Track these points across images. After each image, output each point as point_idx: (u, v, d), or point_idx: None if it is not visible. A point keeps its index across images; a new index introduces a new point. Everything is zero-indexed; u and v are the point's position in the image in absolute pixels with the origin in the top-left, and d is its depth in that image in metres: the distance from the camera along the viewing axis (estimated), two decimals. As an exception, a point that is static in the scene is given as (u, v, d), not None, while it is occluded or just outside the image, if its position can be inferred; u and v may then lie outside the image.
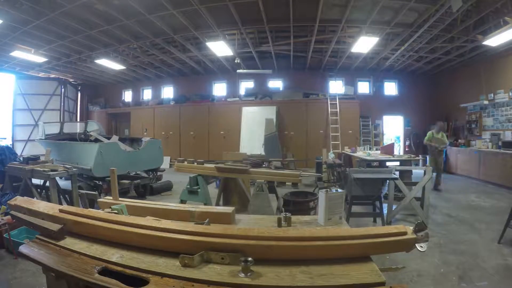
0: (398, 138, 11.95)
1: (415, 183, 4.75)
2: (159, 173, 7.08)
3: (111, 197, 2.09)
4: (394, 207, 4.53)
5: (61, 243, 1.44)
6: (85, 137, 8.01)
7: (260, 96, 11.36)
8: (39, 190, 4.97)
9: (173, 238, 1.38)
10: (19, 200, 1.93)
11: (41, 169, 4.56)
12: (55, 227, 1.49)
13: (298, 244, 1.33)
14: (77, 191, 4.46)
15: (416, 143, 11.26)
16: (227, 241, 1.37)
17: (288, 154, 9.70)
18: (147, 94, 13.82)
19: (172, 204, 2.04)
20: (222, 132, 11.13)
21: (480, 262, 3.12)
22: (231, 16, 6.62)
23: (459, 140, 9.72)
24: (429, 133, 7.29)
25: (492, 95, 8.55)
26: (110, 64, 9.75)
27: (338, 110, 10.37)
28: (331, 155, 7.99)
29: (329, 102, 10.47)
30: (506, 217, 3.59)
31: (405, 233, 1.36)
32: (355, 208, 4.45)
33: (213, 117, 11.38)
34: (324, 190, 1.84)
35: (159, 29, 7.35)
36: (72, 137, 8.05)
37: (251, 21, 7.09)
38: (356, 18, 6.76)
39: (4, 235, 3.26)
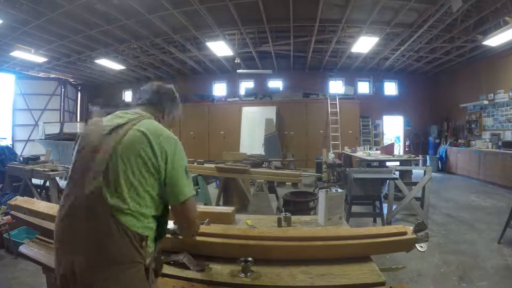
0: (398, 138, 11.95)
1: (415, 183, 4.76)
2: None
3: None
4: (394, 207, 4.53)
5: (61, 243, 1.44)
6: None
7: (260, 96, 11.35)
8: (39, 190, 4.97)
9: (173, 239, 1.38)
10: (19, 200, 1.93)
11: (41, 169, 4.56)
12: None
13: (298, 244, 1.33)
14: (77, 191, 4.44)
15: (416, 143, 11.27)
16: (227, 241, 1.37)
17: (288, 154, 9.69)
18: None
19: (172, 204, 2.04)
20: (222, 132, 11.13)
21: (480, 262, 3.12)
22: (231, 16, 6.61)
23: (459, 140, 9.72)
24: None
25: (492, 95, 8.54)
26: (110, 64, 9.74)
27: (338, 110, 10.37)
28: (331, 155, 7.98)
29: (329, 102, 10.46)
30: (506, 217, 3.59)
31: (405, 233, 1.37)
32: (355, 208, 4.45)
33: (213, 117, 11.37)
34: (324, 190, 1.84)
35: (159, 29, 7.34)
36: (72, 137, 8.04)
37: (251, 21, 7.08)
38: (356, 18, 6.75)
39: (4, 235, 3.27)
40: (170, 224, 1.36)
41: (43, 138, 9.75)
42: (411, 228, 1.38)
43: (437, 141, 10.71)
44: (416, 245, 1.35)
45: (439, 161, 9.93)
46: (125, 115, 1.12)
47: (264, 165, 4.95)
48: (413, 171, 6.41)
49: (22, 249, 1.57)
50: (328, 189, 1.86)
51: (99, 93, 14.33)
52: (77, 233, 0.97)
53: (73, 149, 1.12)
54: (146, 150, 1.02)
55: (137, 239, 0.97)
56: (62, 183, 4.66)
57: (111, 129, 1.06)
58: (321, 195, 1.83)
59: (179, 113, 1.36)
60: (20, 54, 8.38)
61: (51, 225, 1.51)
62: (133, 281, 0.96)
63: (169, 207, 1.11)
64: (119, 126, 1.06)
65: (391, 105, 11.52)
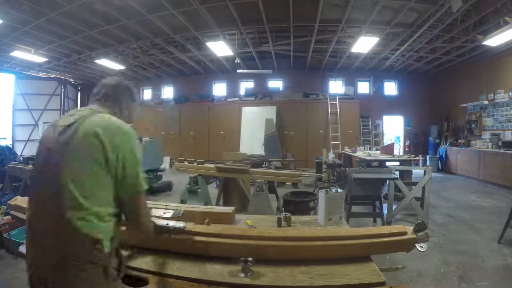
0: (398, 138, 11.95)
1: (415, 183, 4.75)
2: (160, 173, 7.09)
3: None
4: (394, 207, 4.53)
5: (61, 243, 1.44)
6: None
7: (260, 96, 11.36)
8: (39, 190, 4.96)
9: (173, 238, 1.38)
10: (19, 200, 1.93)
11: (41, 169, 4.55)
12: (55, 227, 1.48)
13: (298, 244, 1.33)
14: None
15: (416, 143, 11.27)
16: (227, 241, 1.37)
17: (288, 154, 9.69)
18: (147, 94, 13.82)
19: (172, 204, 2.04)
20: (222, 132, 11.13)
21: (480, 262, 3.12)
22: (231, 16, 6.62)
23: (459, 140, 9.72)
24: None
25: (492, 95, 8.55)
26: (110, 64, 9.74)
27: (338, 110, 10.37)
28: (331, 155, 7.98)
29: (329, 102, 10.46)
30: (506, 217, 3.59)
31: (405, 233, 1.37)
32: (355, 208, 4.44)
33: (213, 117, 11.38)
34: (324, 190, 1.84)
35: (159, 29, 7.34)
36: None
37: (251, 21, 7.08)
38: (356, 18, 6.75)
39: (4, 235, 3.26)
40: (171, 223, 1.36)
41: (43, 138, 9.74)
42: (411, 228, 1.38)
43: (437, 141, 10.70)
44: (416, 245, 1.35)
45: (439, 161, 9.93)
46: (76, 113, 1.09)
47: (264, 165, 4.96)
48: (413, 171, 6.40)
49: (22, 249, 1.57)
50: (328, 189, 1.86)
51: (99, 93, 14.33)
52: (37, 235, 1.00)
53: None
54: (95, 147, 1.00)
55: (89, 241, 0.97)
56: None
57: (63, 129, 1.04)
58: (321, 195, 1.83)
59: (137, 113, 1.33)
60: (20, 54, 8.38)
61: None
62: (92, 279, 0.97)
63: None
64: (70, 125, 1.04)
65: (391, 105, 11.52)
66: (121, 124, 1.09)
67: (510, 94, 7.92)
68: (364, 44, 7.48)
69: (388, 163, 6.62)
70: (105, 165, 1.01)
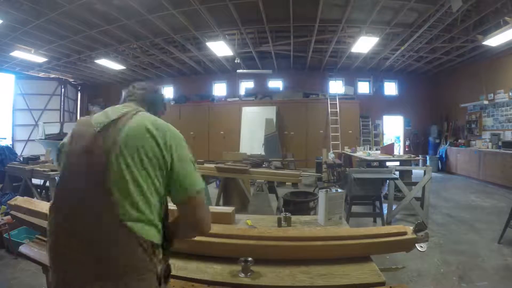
0: (398, 138, 11.96)
1: (415, 183, 4.76)
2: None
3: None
4: (394, 207, 4.53)
5: (61, 243, 1.44)
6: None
7: (260, 96, 11.35)
8: (39, 190, 4.98)
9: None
10: (19, 200, 1.93)
11: (41, 169, 4.57)
12: (55, 227, 1.48)
13: (298, 244, 1.34)
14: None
15: (416, 143, 11.27)
16: (227, 241, 1.37)
17: (288, 154, 9.69)
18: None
19: (172, 204, 2.04)
20: (222, 132, 11.13)
21: (480, 262, 3.12)
22: (231, 16, 6.62)
23: (459, 140, 9.72)
24: None
25: (492, 95, 8.55)
26: (110, 64, 9.75)
27: (338, 110, 10.37)
28: (331, 155, 7.99)
29: (329, 102, 10.46)
30: (506, 217, 3.59)
31: (405, 233, 1.37)
32: (355, 208, 4.45)
33: (213, 117, 11.38)
34: (324, 190, 1.84)
35: (159, 29, 7.34)
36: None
37: (251, 21, 7.08)
38: (356, 18, 6.75)
39: (4, 235, 3.27)
40: None
41: (43, 138, 9.76)
42: (411, 228, 1.38)
43: (437, 141, 10.71)
44: (416, 245, 1.35)
45: (439, 161, 9.93)
46: (117, 110, 1.01)
47: (264, 165, 4.96)
48: (413, 171, 6.41)
49: (22, 249, 1.57)
50: (328, 189, 1.86)
51: (99, 93, 14.34)
52: (80, 246, 0.87)
53: (58, 152, 1.02)
54: (151, 145, 0.93)
55: (150, 248, 0.90)
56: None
57: (104, 126, 0.94)
58: (321, 195, 1.83)
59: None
60: (20, 54, 8.38)
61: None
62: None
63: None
64: (113, 122, 0.95)
65: (391, 105, 11.52)
66: (170, 125, 1.04)
67: (510, 94, 7.92)
68: (364, 44, 7.48)
69: (388, 163, 6.62)
70: (160, 165, 0.94)
